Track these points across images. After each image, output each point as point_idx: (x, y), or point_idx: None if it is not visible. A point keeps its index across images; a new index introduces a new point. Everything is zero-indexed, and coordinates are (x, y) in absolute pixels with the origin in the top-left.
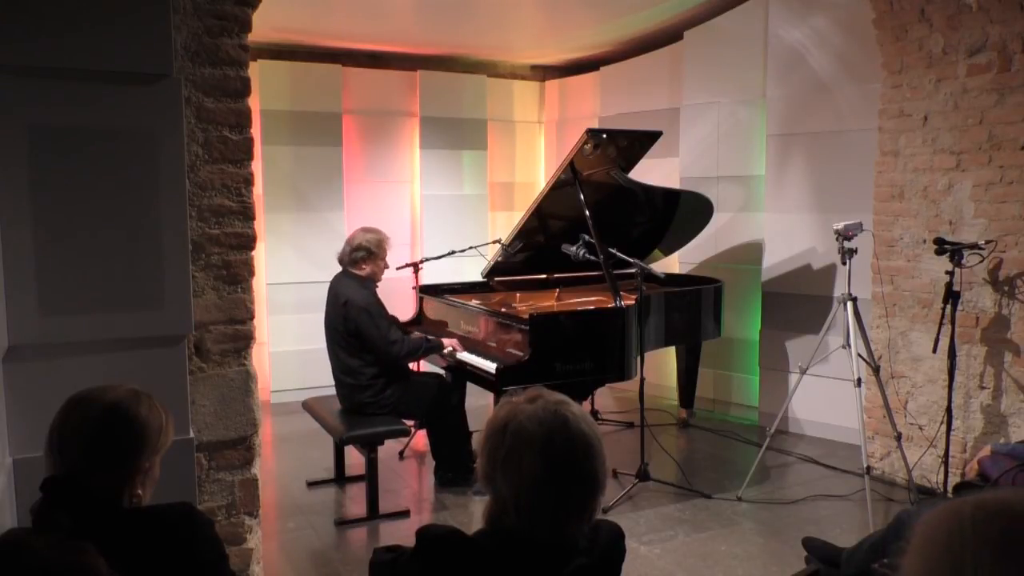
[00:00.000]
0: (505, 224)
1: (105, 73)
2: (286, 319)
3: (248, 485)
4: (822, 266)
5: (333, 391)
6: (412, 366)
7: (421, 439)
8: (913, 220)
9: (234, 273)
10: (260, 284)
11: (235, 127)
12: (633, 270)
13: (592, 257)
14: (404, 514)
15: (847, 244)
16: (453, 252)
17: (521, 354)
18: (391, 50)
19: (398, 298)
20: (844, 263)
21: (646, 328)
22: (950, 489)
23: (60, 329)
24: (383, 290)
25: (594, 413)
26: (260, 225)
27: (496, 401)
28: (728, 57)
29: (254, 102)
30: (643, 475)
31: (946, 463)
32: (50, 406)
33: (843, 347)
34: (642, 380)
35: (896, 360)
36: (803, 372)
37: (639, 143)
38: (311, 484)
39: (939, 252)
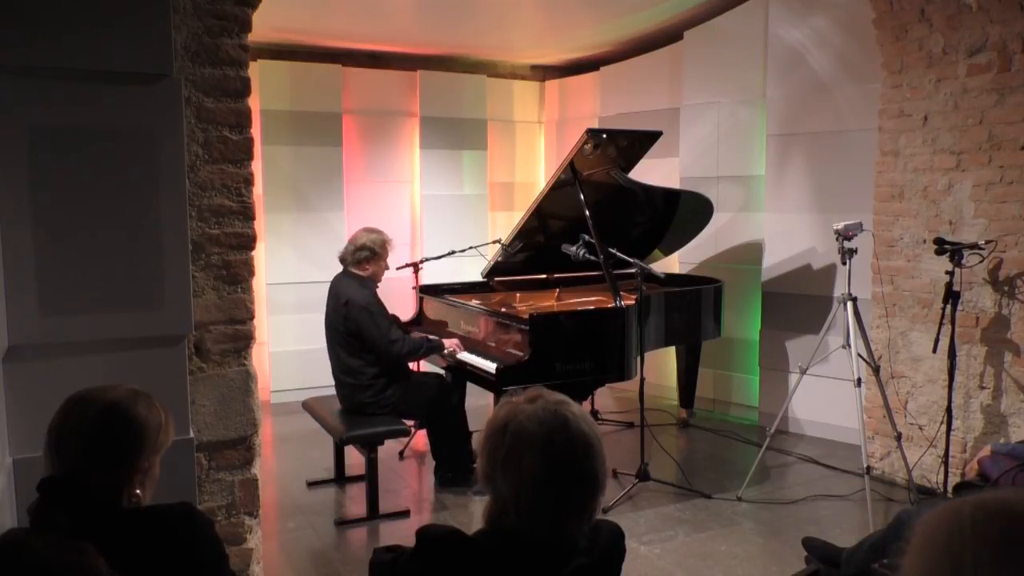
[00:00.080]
0: (505, 224)
1: (105, 73)
2: (286, 319)
3: (248, 485)
4: (822, 266)
5: (333, 391)
6: (412, 366)
7: (421, 439)
8: (913, 220)
9: (234, 273)
10: (260, 284)
11: (235, 127)
12: (633, 270)
13: (592, 257)
14: (404, 514)
15: (847, 244)
16: (453, 252)
17: (521, 354)
18: (391, 50)
19: (398, 298)
20: (844, 263)
21: (646, 328)
22: (950, 489)
23: (60, 329)
24: (383, 290)
25: (594, 413)
26: (260, 225)
27: (496, 401)
28: (728, 57)
29: (254, 102)
30: (643, 475)
31: (946, 463)
32: (50, 406)
33: (843, 347)
34: (642, 380)
35: (896, 360)
36: (803, 372)
37: (639, 143)
38: (311, 484)
39: (939, 252)
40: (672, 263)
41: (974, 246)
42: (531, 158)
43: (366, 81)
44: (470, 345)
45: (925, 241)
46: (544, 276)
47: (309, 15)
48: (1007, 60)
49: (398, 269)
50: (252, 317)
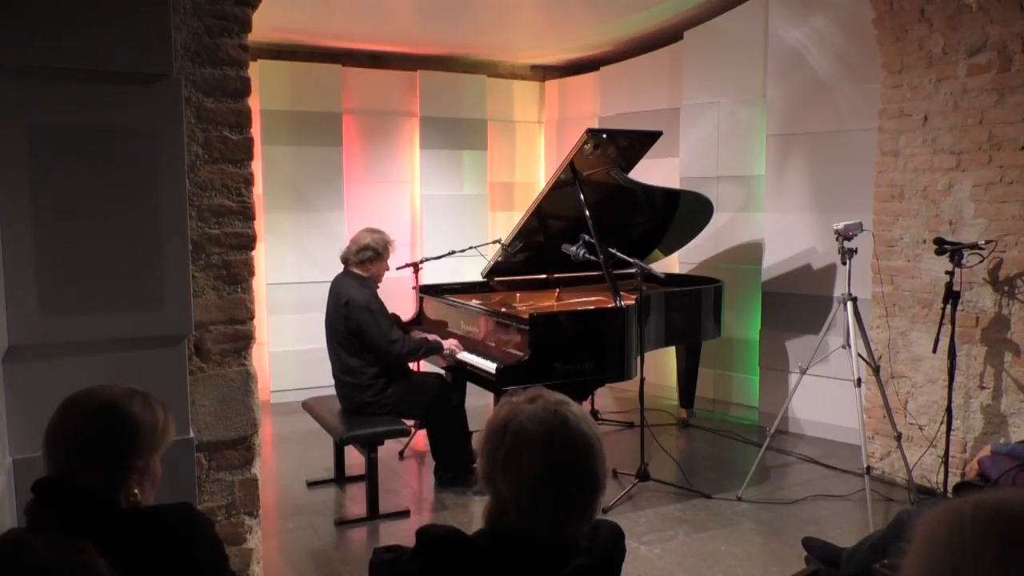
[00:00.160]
0: (505, 224)
1: (105, 73)
2: (286, 319)
3: (248, 485)
4: (822, 266)
5: (333, 391)
6: (412, 366)
7: (421, 439)
8: (913, 220)
9: (234, 273)
10: (260, 284)
11: (235, 127)
12: (633, 270)
13: (592, 257)
14: (404, 514)
15: (847, 244)
16: (453, 252)
17: (521, 354)
18: (391, 50)
19: (398, 298)
20: (844, 263)
21: (646, 328)
22: (950, 489)
23: (60, 329)
24: (383, 290)
25: (594, 413)
26: (260, 225)
27: (496, 401)
28: (728, 57)
29: (254, 102)
30: (643, 475)
31: (946, 463)
32: (50, 406)
33: (843, 347)
34: (642, 380)
35: (896, 360)
36: (803, 372)
37: (639, 143)
38: (311, 484)
39: (939, 252)
40: (672, 263)
41: (974, 246)
42: (531, 158)
43: (366, 81)
44: (470, 345)
45: (925, 241)
46: (544, 276)
47: (309, 15)
48: (1007, 60)
49: (398, 269)
50: (252, 317)
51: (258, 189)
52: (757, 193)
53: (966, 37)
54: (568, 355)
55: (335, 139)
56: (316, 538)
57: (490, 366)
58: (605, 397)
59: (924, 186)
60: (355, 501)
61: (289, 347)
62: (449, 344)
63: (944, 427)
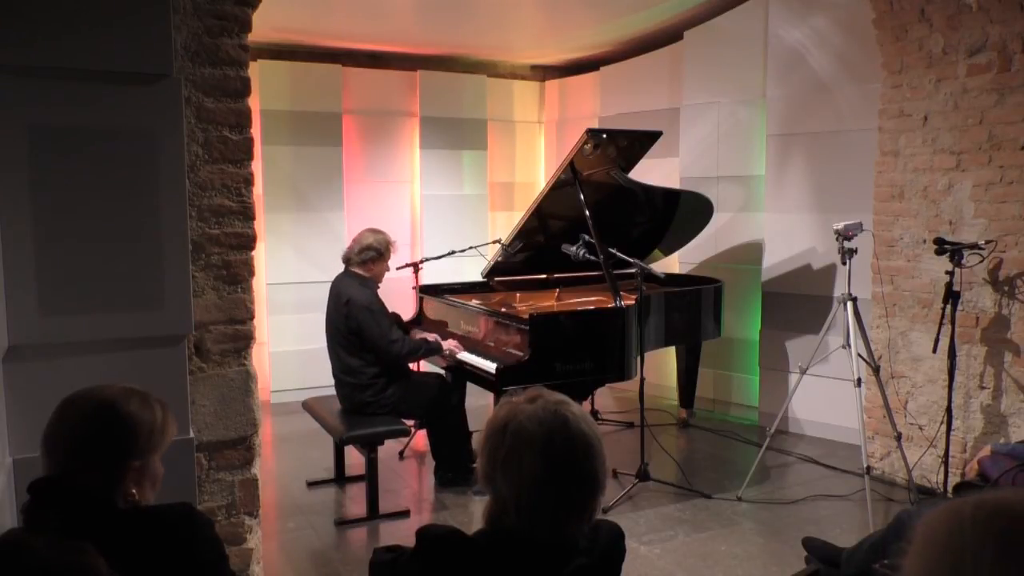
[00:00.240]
0: (505, 224)
1: (105, 73)
2: (286, 319)
3: (248, 485)
4: (822, 266)
5: (333, 391)
6: (412, 366)
7: (421, 439)
8: (913, 220)
9: (234, 273)
10: (260, 284)
11: (235, 127)
12: (633, 270)
13: (592, 257)
14: (404, 514)
15: (847, 244)
16: (453, 252)
17: (521, 354)
18: (391, 50)
19: (398, 298)
20: (844, 263)
21: (646, 328)
22: (950, 489)
23: (60, 329)
24: (383, 290)
25: (594, 413)
26: (260, 225)
27: (496, 401)
28: (728, 57)
29: (254, 102)
30: (643, 475)
31: (946, 463)
32: (50, 406)
33: (843, 347)
34: (642, 380)
35: (896, 360)
36: (803, 372)
37: (639, 143)
38: (311, 484)
39: (939, 252)
40: (672, 263)
41: (974, 246)
42: (531, 158)
43: (366, 81)
44: (470, 345)
45: (925, 241)
46: (544, 276)
47: (309, 15)
48: (1007, 60)
49: (398, 269)
50: (252, 317)
51: (258, 189)
52: (757, 193)
53: (966, 37)
54: (568, 355)
55: (335, 139)
56: (316, 538)
57: (490, 366)
58: (605, 397)
59: (924, 186)
60: (355, 501)
61: (289, 347)
62: (449, 344)
63: (944, 427)
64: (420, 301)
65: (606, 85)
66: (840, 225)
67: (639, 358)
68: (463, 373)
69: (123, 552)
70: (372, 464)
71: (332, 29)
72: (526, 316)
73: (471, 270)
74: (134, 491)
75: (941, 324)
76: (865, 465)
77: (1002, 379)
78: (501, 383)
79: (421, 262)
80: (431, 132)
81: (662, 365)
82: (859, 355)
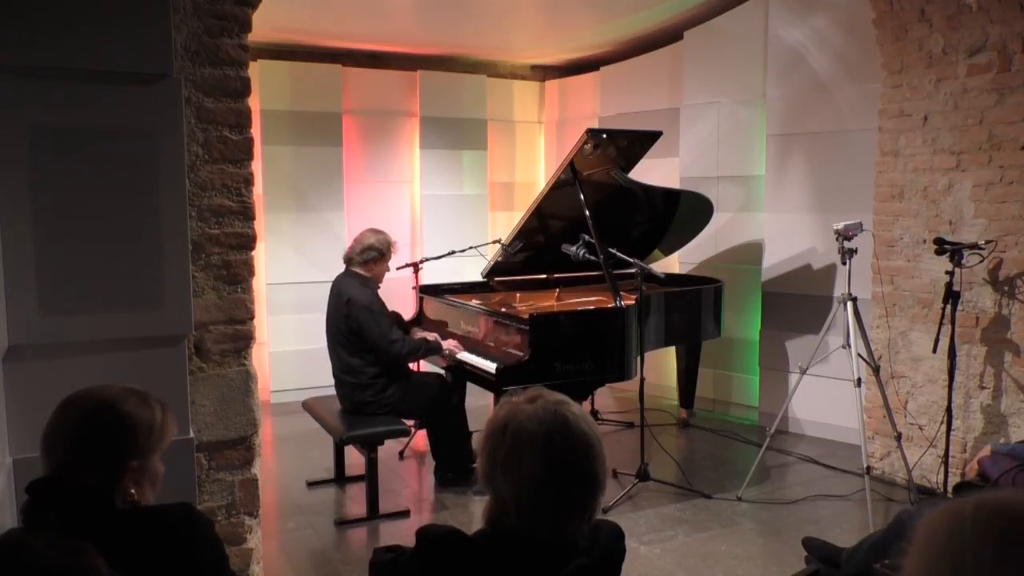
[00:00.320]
0: (505, 224)
1: (105, 73)
2: (286, 319)
3: (248, 485)
4: (822, 266)
5: (333, 391)
6: (412, 366)
7: (421, 439)
8: (913, 220)
9: (234, 273)
10: (260, 284)
11: (235, 127)
12: (633, 270)
13: (592, 257)
14: (404, 514)
15: (847, 244)
16: (453, 252)
17: (521, 354)
18: (391, 50)
19: (398, 298)
20: (844, 263)
21: (646, 328)
22: (950, 489)
23: (60, 329)
24: (383, 290)
25: (594, 413)
26: (260, 225)
27: (496, 401)
28: (728, 57)
29: (254, 102)
30: (643, 475)
31: (946, 463)
32: (50, 406)
33: (843, 347)
34: (642, 380)
35: (896, 360)
36: (803, 372)
37: (639, 143)
38: (311, 484)
39: (939, 252)
40: (672, 263)
41: (974, 246)
42: (531, 158)
43: (366, 81)
44: (470, 345)
45: (925, 241)
46: (544, 276)
47: (309, 15)
48: (1007, 60)
49: (398, 269)
50: (252, 317)
51: (258, 189)
52: (757, 193)
53: (966, 37)
54: (568, 355)
55: (335, 139)
56: (316, 538)
57: (490, 366)
58: (605, 397)
59: (924, 186)
60: (355, 501)
61: (289, 347)
62: (449, 344)
63: (944, 427)
64: (420, 301)
65: (606, 85)
66: (840, 225)
67: (639, 358)
68: (463, 373)
69: (123, 552)
70: (372, 464)
71: (332, 29)
72: (526, 316)
73: (471, 270)
74: (133, 491)
75: (941, 324)
76: (865, 465)
77: (1002, 379)
78: (501, 383)
79: (421, 262)
80: (431, 132)
81: (662, 365)
82: (859, 355)
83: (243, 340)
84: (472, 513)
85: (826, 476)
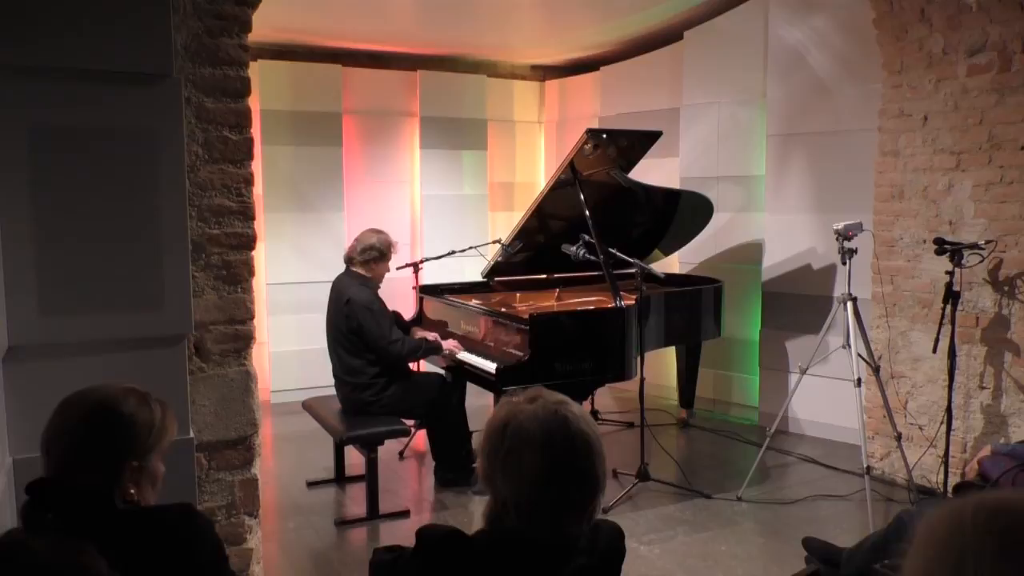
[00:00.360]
0: (505, 224)
1: (105, 73)
2: (286, 319)
3: (248, 485)
4: (822, 266)
5: (333, 391)
6: (412, 366)
7: (421, 439)
8: (913, 220)
9: (234, 273)
10: (260, 284)
11: (235, 127)
12: (633, 270)
13: (592, 257)
14: (404, 514)
15: (847, 244)
16: (453, 252)
17: (521, 354)
18: (391, 50)
19: (398, 298)
20: (844, 263)
21: (646, 328)
22: (950, 489)
23: (60, 329)
24: (383, 290)
25: (594, 413)
26: (260, 225)
27: (496, 401)
28: (728, 57)
29: (254, 102)
30: (643, 475)
31: (946, 463)
32: (50, 406)
33: (843, 347)
34: (642, 380)
35: (896, 360)
36: (803, 372)
37: (639, 143)
38: (311, 484)
39: (939, 252)
40: (672, 263)
41: (974, 246)
42: (531, 158)
43: (366, 81)
44: (470, 345)
45: (925, 241)
46: (544, 276)
47: (309, 15)
48: (1007, 60)
49: (398, 269)
50: (252, 317)
51: (258, 189)
52: (757, 193)
53: (966, 37)
54: (568, 355)
55: (335, 139)
56: (316, 538)
57: (490, 366)
58: (605, 397)
59: (924, 186)
60: (355, 501)
61: (289, 347)
62: (449, 344)
63: (944, 427)
64: (420, 301)
65: (606, 85)
66: (840, 225)
67: (639, 358)
68: (463, 373)
69: (123, 552)
70: (372, 464)
71: (332, 29)
72: (526, 316)
73: (471, 270)
74: (133, 491)
75: (941, 324)
76: (865, 465)
77: (1002, 379)
78: (501, 383)
79: (421, 262)
80: (431, 132)
81: (662, 365)
82: (859, 355)
83: (243, 340)
84: (472, 513)
85: (826, 476)
